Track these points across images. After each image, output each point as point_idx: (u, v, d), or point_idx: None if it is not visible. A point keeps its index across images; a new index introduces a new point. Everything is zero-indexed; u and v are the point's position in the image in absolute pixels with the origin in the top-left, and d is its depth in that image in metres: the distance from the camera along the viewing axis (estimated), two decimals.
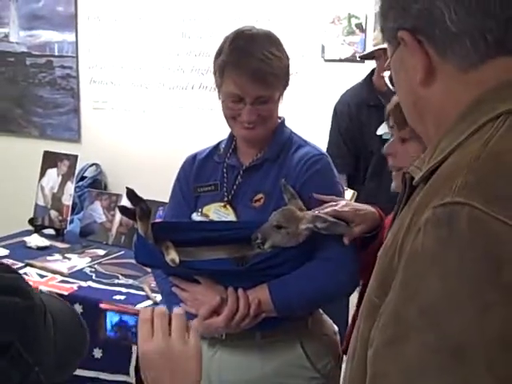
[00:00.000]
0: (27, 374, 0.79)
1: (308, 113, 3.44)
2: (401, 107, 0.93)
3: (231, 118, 1.60)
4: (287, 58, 1.62)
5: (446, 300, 0.66)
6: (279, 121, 1.69)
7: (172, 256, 1.48)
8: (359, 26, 3.45)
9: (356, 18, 3.45)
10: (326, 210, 1.51)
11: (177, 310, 1.04)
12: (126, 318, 1.37)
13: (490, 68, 0.79)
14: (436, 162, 0.80)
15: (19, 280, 0.84)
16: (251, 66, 1.52)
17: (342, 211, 1.51)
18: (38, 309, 0.85)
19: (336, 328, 1.75)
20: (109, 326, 1.38)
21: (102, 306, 1.44)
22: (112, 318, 1.35)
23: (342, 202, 1.55)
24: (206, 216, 1.64)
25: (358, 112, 2.88)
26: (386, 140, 1.57)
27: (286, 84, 1.63)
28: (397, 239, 0.77)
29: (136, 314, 1.34)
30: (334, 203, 1.54)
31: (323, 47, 3.53)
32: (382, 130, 2.44)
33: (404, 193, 0.89)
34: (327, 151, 2.94)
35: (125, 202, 3.20)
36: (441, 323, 0.66)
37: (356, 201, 2.85)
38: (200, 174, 1.70)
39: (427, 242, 0.69)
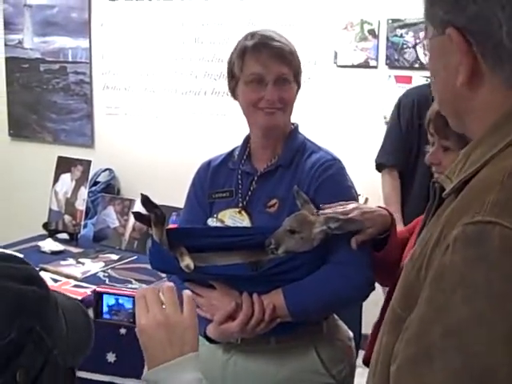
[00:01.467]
0: (48, 357, 0.83)
1: (321, 118, 3.45)
2: (441, 115, 0.90)
3: (252, 105, 1.61)
4: (299, 57, 1.66)
5: (473, 321, 0.65)
6: (292, 127, 1.70)
7: (187, 262, 1.49)
8: (372, 32, 3.46)
9: (369, 24, 3.46)
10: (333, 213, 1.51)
11: (167, 284, 1.05)
12: (122, 300, 1.39)
13: None
14: (467, 175, 0.78)
15: (34, 270, 0.89)
16: (271, 45, 1.59)
17: (349, 214, 1.51)
18: (52, 297, 0.89)
19: (351, 334, 1.74)
20: (105, 309, 1.40)
21: (98, 289, 1.46)
22: (108, 301, 1.37)
23: (351, 206, 1.54)
24: (222, 221, 1.65)
25: (420, 111, 2.74)
26: None
27: (299, 78, 1.65)
28: (425, 251, 0.76)
29: (132, 296, 1.37)
30: (342, 207, 1.53)
31: (336, 53, 3.53)
32: None
33: (433, 202, 0.88)
34: (383, 144, 2.96)
35: (137, 207, 3.21)
36: (466, 345, 0.65)
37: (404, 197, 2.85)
38: (214, 181, 1.71)
39: (456, 260, 0.68)
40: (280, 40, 1.61)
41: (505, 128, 0.77)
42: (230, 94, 1.70)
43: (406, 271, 0.82)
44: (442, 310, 0.68)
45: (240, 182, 1.67)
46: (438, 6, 0.80)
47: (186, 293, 1.07)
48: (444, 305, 0.68)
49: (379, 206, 1.66)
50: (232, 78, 1.66)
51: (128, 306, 1.35)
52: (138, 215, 1.62)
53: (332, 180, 1.60)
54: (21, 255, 2.92)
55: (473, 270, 0.67)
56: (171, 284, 1.06)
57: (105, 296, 1.37)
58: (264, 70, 1.58)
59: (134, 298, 1.10)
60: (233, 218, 1.64)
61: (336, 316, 1.73)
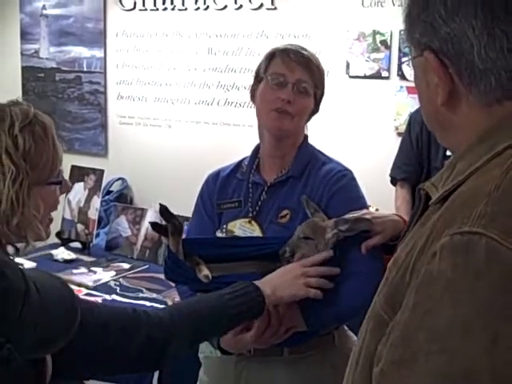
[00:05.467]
0: None
1: (333, 128, 3.45)
2: None
3: (266, 104, 1.63)
4: (323, 77, 1.70)
5: (458, 327, 0.66)
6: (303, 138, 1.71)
7: (205, 272, 1.50)
8: (384, 43, 3.46)
9: (381, 34, 3.46)
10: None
11: None
12: None
13: None
14: (453, 185, 0.79)
15: None
16: (300, 53, 1.65)
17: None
18: (13, 290, 0.90)
19: None
20: None
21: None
22: None
23: (362, 211, 1.54)
24: (231, 232, 1.65)
25: None
26: None
27: (318, 94, 1.67)
28: (409, 257, 0.77)
29: None
30: (354, 213, 1.54)
31: (348, 64, 3.54)
32: None
33: (418, 208, 0.89)
34: (396, 158, 2.99)
35: (150, 216, 3.23)
36: (451, 350, 0.66)
37: None
38: (223, 191, 1.72)
39: (443, 267, 0.69)
40: (310, 53, 1.67)
41: (490, 140, 0.78)
42: (250, 96, 1.73)
43: (389, 275, 0.83)
44: (427, 316, 0.69)
45: (250, 192, 1.68)
46: (415, 29, 0.83)
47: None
48: (430, 310, 0.69)
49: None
50: (256, 78, 1.70)
51: None
52: (155, 225, 1.64)
53: (344, 190, 1.61)
54: (34, 264, 2.96)
55: (459, 277, 0.68)
56: None
57: None
58: (288, 72, 1.61)
59: None
60: (243, 228, 1.64)
61: (345, 326, 1.72)
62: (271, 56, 1.67)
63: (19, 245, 1.23)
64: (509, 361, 0.64)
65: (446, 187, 0.81)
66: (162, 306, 2.51)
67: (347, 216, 1.49)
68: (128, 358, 1.23)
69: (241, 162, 1.76)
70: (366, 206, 1.65)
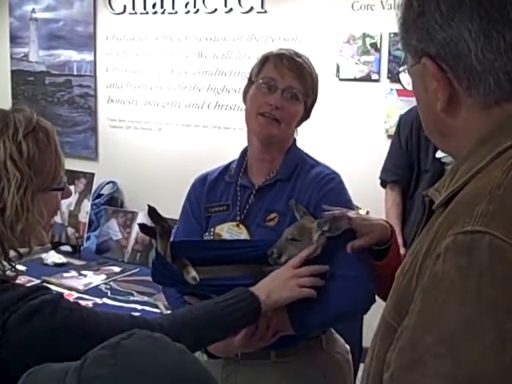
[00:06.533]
0: None
1: (323, 131, 3.46)
2: None
3: (255, 108, 1.63)
4: (316, 84, 1.68)
5: (465, 328, 0.66)
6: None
7: (193, 274, 1.49)
8: (374, 46, 3.48)
9: (371, 37, 3.48)
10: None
11: None
12: None
13: None
14: (456, 187, 0.80)
15: None
16: (293, 59, 1.63)
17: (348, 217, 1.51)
18: None
19: (348, 347, 1.74)
20: None
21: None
22: None
23: (350, 213, 1.54)
24: (219, 235, 1.65)
25: (418, 128, 2.79)
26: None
27: (308, 102, 1.66)
28: (415, 262, 0.77)
29: None
30: (337, 209, 1.54)
31: (338, 66, 3.55)
32: (442, 153, 2.47)
33: (423, 215, 0.89)
34: (385, 161, 3.00)
35: (140, 219, 3.22)
36: (458, 351, 0.66)
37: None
38: (211, 195, 1.71)
39: (447, 269, 0.69)
40: (304, 60, 1.65)
41: (491, 142, 0.79)
42: (242, 98, 1.72)
43: (397, 282, 0.83)
44: (434, 318, 0.69)
45: (238, 195, 1.68)
46: (411, 36, 0.83)
47: None
48: (436, 313, 0.69)
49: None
50: (249, 81, 1.69)
51: None
52: (143, 226, 1.61)
53: (332, 194, 1.61)
54: (24, 268, 2.94)
55: (463, 277, 0.68)
56: None
57: None
58: (279, 77, 1.61)
59: None
60: (230, 231, 1.64)
61: (333, 330, 1.73)
62: (265, 60, 1.66)
63: (21, 250, 1.23)
64: None
65: (448, 190, 0.81)
66: (154, 310, 2.51)
67: (327, 216, 1.49)
68: None
69: (229, 164, 1.76)
70: (354, 210, 1.65)
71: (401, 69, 3.38)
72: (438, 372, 0.66)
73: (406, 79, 3.34)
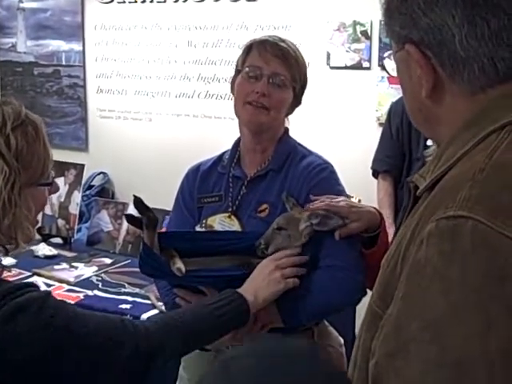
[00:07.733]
0: None
1: (314, 120, 3.44)
2: None
3: (242, 97, 1.62)
4: (304, 69, 1.67)
5: (449, 314, 0.66)
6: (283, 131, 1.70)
7: (178, 265, 1.48)
8: (364, 33, 3.46)
9: (361, 25, 3.46)
10: (320, 204, 1.50)
11: None
12: None
13: (498, 91, 0.79)
14: (440, 172, 0.79)
15: None
16: (278, 45, 1.62)
17: (336, 205, 1.50)
18: None
19: (342, 340, 1.73)
20: None
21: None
22: None
23: (339, 198, 1.53)
24: (211, 227, 1.64)
25: (409, 117, 2.80)
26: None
27: (297, 87, 1.65)
28: (400, 248, 0.77)
29: None
30: (330, 199, 1.53)
31: (328, 54, 3.53)
32: None
33: (409, 201, 0.89)
34: (377, 151, 2.98)
35: (131, 210, 3.21)
36: (443, 337, 0.66)
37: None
38: (204, 185, 1.70)
39: (430, 255, 0.69)
40: (289, 45, 1.64)
41: (475, 127, 0.78)
42: (230, 89, 1.72)
43: (382, 269, 0.83)
44: (418, 305, 0.69)
45: (230, 186, 1.67)
46: (394, 22, 0.83)
47: None
48: (420, 299, 0.69)
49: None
50: (235, 71, 1.68)
51: None
52: (130, 217, 1.60)
53: (324, 183, 1.60)
54: (14, 260, 2.93)
55: (447, 263, 0.67)
56: None
57: None
58: (264, 65, 1.60)
59: None
60: (222, 223, 1.63)
61: (326, 322, 1.72)
62: (249, 48, 1.65)
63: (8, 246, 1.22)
64: (503, 343, 0.64)
65: (433, 176, 0.81)
66: (145, 301, 2.50)
67: (320, 211, 1.48)
68: (112, 370, 1.20)
69: (222, 155, 1.75)
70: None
71: (385, 54, 3.36)
72: (422, 359, 0.66)
73: (390, 65, 3.32)
